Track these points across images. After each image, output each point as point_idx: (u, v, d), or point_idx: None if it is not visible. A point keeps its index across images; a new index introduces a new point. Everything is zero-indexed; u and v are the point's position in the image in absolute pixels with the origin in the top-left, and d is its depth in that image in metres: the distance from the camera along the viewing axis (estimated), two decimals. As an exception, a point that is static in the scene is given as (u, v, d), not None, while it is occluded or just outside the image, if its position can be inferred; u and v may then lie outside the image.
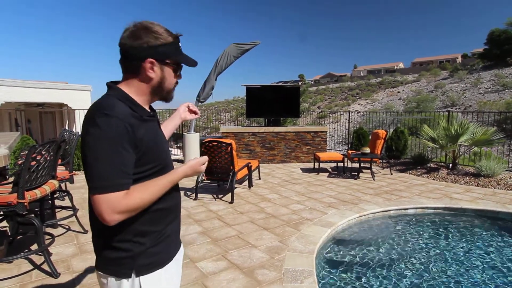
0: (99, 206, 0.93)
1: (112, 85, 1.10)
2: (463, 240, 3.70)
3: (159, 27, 1.08)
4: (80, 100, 12.84)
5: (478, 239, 3.71)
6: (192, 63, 1.17)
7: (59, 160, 3.74)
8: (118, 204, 0.93)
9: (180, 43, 1.13)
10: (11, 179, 3.37)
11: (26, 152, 2.49)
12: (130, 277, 1.05)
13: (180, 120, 1.51)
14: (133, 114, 1.03)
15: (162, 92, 1.14)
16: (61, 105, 13.12)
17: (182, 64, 1.16)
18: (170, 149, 1.37)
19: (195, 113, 1.54)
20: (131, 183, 0.99)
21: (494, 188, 5.55)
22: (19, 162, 4.28)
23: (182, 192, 5.10)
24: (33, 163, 2.54)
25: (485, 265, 3.07)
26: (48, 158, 2.76)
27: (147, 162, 1.06)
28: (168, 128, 1.47)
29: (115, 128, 0.95)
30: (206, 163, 1.21)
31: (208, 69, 7.82)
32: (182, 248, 1.32)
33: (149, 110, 1.14)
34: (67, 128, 12.97)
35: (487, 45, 40.67)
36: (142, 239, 1.07)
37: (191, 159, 1.18)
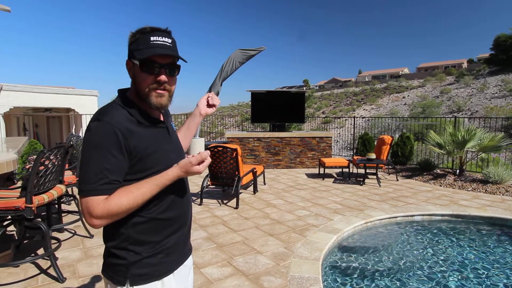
0: (81, 210, 0.96)
1: (119, 91, 1.11)
2: (471, 248, 3.64)
3: (143, 28, 1.04)
4: (86, 105, 13.00)
5: (486, 247, 3.65)
6: (147, 54, 1.00)
7: (66, 165, 3.78)
8: (95, 209, 0.94)
9: (152, 37, 1.01)
10: (19, 183, 3.41)
11: (35, 156, 2.52)
12: (124, 286, 1.03)
13: (200, 117, 1.39)
14: (130, 119, 1.02)
15: (141, 95, 1.06)
16: (68, 110, 13.28)
17: (158, 63, 1.02)
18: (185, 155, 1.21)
19: (213, 106, 1.39)
20: (115, 189, 0.97)
21: (503, 195, 5.47)
22: (27, 167, 4.32)
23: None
24: (41, 168, 2.56)
25: (493, 273, 3.01)
26: (56, 163, 2.78)
27: (144, 169, 1.03)
28: (190, 128, 1.39)
29: (104, 133, 0.96)
30: (206, 162, 1.04)
31: (213, 74, 7.89)
32: (190, 262, 1.25)
33: (154, 117, 1.11)
34: (74, 133, 13.10)
35: (493, 50, 40.45)
36: (138, 248, 1.04)
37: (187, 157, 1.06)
